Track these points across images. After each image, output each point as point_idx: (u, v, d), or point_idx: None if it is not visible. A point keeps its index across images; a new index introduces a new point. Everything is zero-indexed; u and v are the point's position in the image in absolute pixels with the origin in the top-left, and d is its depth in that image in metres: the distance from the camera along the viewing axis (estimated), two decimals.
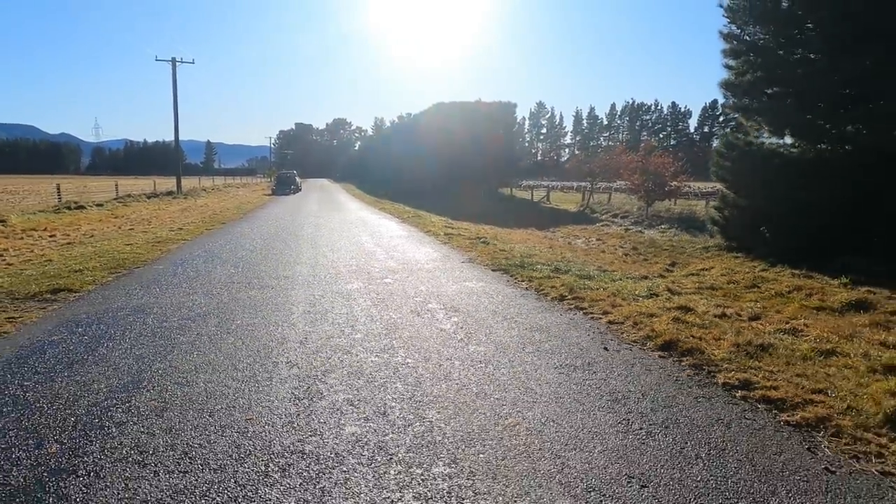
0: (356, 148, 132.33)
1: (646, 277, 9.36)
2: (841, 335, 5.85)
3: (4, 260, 10.27)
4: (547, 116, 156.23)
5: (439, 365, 4.54)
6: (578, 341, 5.25)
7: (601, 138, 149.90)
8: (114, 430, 3.33)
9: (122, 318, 5.91)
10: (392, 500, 2.65)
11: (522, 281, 8.21)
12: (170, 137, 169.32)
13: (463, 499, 2.67)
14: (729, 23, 12.42)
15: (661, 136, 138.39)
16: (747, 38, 12.26)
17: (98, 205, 25.14)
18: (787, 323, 6.36)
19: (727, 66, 12.29)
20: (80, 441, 3.19)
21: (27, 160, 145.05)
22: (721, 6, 12.54)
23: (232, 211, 23.47)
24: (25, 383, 4.07)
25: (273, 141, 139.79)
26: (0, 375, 4.22)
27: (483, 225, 18.46)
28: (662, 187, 20.29)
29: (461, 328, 5.64)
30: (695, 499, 2.69)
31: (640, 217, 20.78)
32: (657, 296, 7.47)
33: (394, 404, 3.75)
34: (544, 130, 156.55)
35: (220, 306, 6.46)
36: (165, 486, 2.74)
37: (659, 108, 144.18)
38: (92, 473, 2.85)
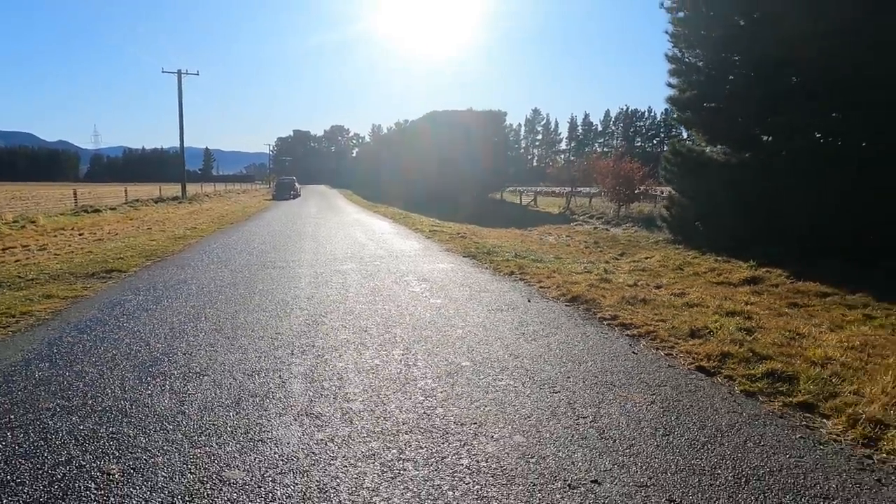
0: (354, 154, 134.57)
1: (591, 262, 11.30)
2: (714, 296, 7.80)
3: (50, 252, 12.14)
4: (542, 123, 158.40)
5: (406, 308, 6.48)
6: (511, 297, 7.19)
7: (596, 144, 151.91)
8: (190, 338, 5.23)
9: (171, 286, 7.82)
10: (367, 363, 4.56)
11: (485, 263, 10.14)
12: (168, 144, 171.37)
13: (410, 365, 4.58)
14: (673, 47, 14.41)
15: (654, 141, 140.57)
16: (688, 59, 14.24)
17: (111, 208, 26.99)
18: (680, 289, 8.32)
19: (670, 85, 14.28)
20: (171, 343, 5.09)
21: (26, 168, 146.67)
22: (667, 32, 14.54)
23: (237, 213, 25.36)
24: (121, 320, 5.97)
25: (272, 147, 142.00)
26: (101, 317, 6.12)
27: (468, 225, 20.36)
28: (632, 190, 22.26)
29: (427, 290, 7.58)
30: (544, 362, 4.61)
31: (612, 218, 22.75)
32: (589, 273, 9.41)
33: (371, 326, 5.68)
34: (540, 137, 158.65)
35: (245, 279, 8.38)
36: (233, 360, 4.65)
37: (652, 114, 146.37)
38: (185, 355, 4.75)
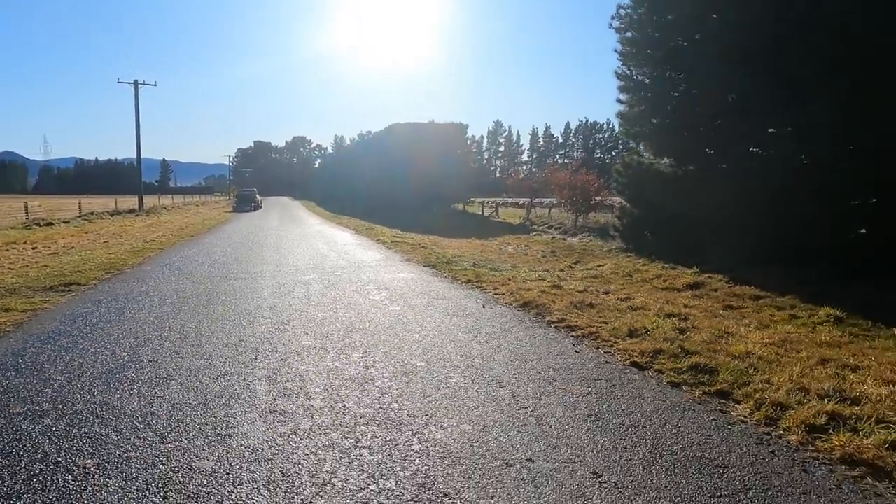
0: (316, 166, 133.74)
1: (546, 270, 11.81)
2: (657, 300, 8.35)
3: (3, 266, 11.95)
4: (504, 135, 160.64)
5: (366, 315, 6.78)
6: (467, 304, 7.57)
7: (557, 156, 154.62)
8: (155, 346, 5.42)
9: (133, 298, 7.92)
10: (328, 365, 4.85)
11: (444, 272, 10.51)
12: (122, 155, 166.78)
13: (368, 366, 4.89)
14: (622, 65, 15.18)
15: (613, 153, 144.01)
16: (635, 77, 15.02)
17: (65, 222, 26.36)
18: (626, 294, 8.86)
19: (619, 101, 15.03)
20: (136, 351, 5.27)
21: None
22: (616, 51, 15.31)
23: (197, 226, 25.13)
24: (84, 330, 6.09)
25: (231, 159, 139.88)
26: (63, 328, 6.22)
27: (430, 235, 20.74)
28: (588, 201, 23.06)
29: (387, 298, 7.90)
30: (493, 361, 4.98)
31: (569, 228, 23.50)
32: (543, 280, 9.89)
33: (332, 332, 5.96)
34: (502, 148, 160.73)
35: (207, 290, 8.53)
36: (198, 365, 4.87)
37: (611, 126, 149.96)
38: (151, 362, 4.95)
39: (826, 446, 3.40)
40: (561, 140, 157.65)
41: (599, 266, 13.10)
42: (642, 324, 6.47)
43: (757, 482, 2.99)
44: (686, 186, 13.42)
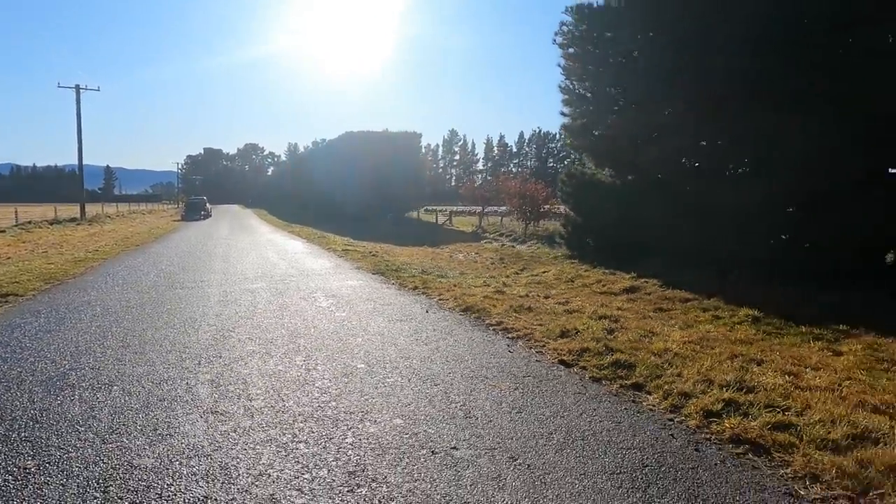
0: (269, 173, 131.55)
1: (493, 277, 12.20)
2: (593, 304, 8.82)
3: None
4: (459, 143, 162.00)
5: (312, 322, 6.96)
6: (412, 309, 7.84)
7: (511, 165, 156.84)
8: (97, 354, 5.46)
9: (74, 309, 7.84)
10: (270, 369, 5.03)
11: (393, 280, 10.75)
12: (63, 162, 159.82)
13: (310, 369, 5.09)
14: (565, 79, 15.83)
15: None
16: (578, 91, 15.70)
17: (0, 231, 25.27)
18: (565, 298, 9.31)
19: (563, 113, 15.67)
20: (77, 359, 5.30)
21: None
22: (559, 65, 15.95)
23: (143, 235, 24.52)
24: (23, 341, 6.05)
25: (180, 166, 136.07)
26: (1, 339, 6.15)
27: (382, 244, 20.90)
28: (537, 209, 23.72)
29: (334, 305, 8.08)
30: (431, 362, 5.27)
31: (519, 235, 24.09)
32: (487, 286, 10.25)
33: (277, 338, 6.13)
34: (457, 157, 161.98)
35: (152, 299, 8.50)
36: (141, 371, 4.96)
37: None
38: (93, 369, 5.01)
39: (718, 428, 3.82)
40: (515, 149, 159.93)
41: (544, 272, 13.59)
42: (574, 325, 6.89)
43: (653, 460, 3.37)
44: (624, 196, 14.11)
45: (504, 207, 34.25)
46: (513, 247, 20.88)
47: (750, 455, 3.47)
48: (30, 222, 30.15)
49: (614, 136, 14.74)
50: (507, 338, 6.32)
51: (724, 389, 4.53)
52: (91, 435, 3.60)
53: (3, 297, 8.92)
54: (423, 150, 77.47)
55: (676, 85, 12.37)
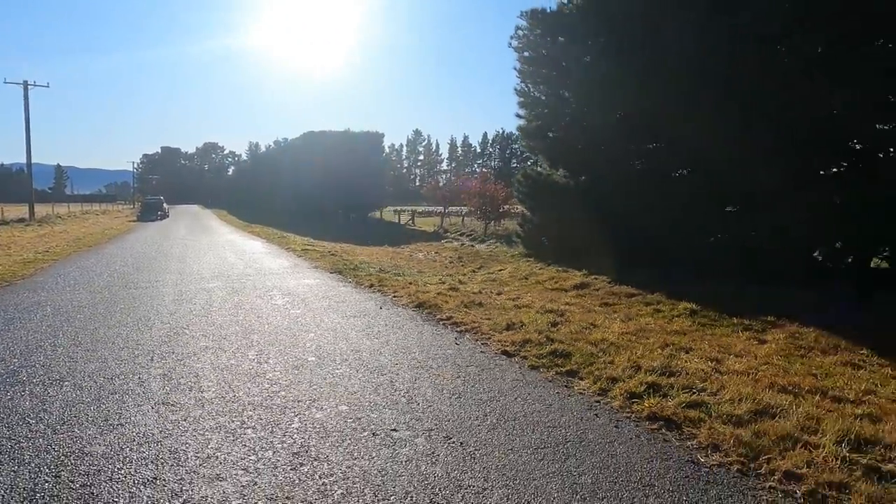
0: (230, 173, 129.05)
1: (450, 275, 12.49)
2: (543, 299, 9.20)
3: None
4: (424, 144, 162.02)
5: (267, 319, 7.11)
6: (366, 306, 8.06)
7: (475, 165, 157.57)
8: (48, 352, 5.51)
9: (24, 308, 7.77)
10: (223, 363, 5.18)
11: (350, 278, 10.93)
12: (9, 160, 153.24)
13: (262, 362, 5.27)
14: (521, 82, 16.26)
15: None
16: (533, 94, 16.14)
17: None
18: (517, 295, 9.67)
19: (519, 115, 16.10)
20: (27, 358, 5.35)
21: None
22: (515, 69, 16.38)
23: (97, 236, 23.94)
24: None
25: (136, 165, 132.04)
26: None
27: (343, 244, 20.97)
28: (497, 209, 24.17)
29: (289, 302, 8.24)
30: (380, 354, 5.51)
31: (479, 235, 24.51)
32: (443, 283, 10.53)
33: (231, 335, 6.27)
34: (421, 157, 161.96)
35: (105, 299, 8.48)
36: (93, 368, 5.05)
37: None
38: (44, 367, 5.07)
39: (639, 408, 4.18)
40: (479, 150, 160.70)
41: (500, 270, 13.97)
42: (521, 319, 7.23)
43: (576, 437, 3.70)
44: (577, 197, 14.60)
45: (466, 208, 34.69)
46: (472, 246, 21.25)
47: (663, 430, 3.84)
48: None
49: (567, 139, 15.24)
50: (456, 331, 6.61)
51: (650, 374, 4.91)
52: (42, 426, 3.72)
53: None
54: (387, 151, 77.44)
55: (621, 91, 12.91)
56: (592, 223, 14.16)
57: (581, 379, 4.92)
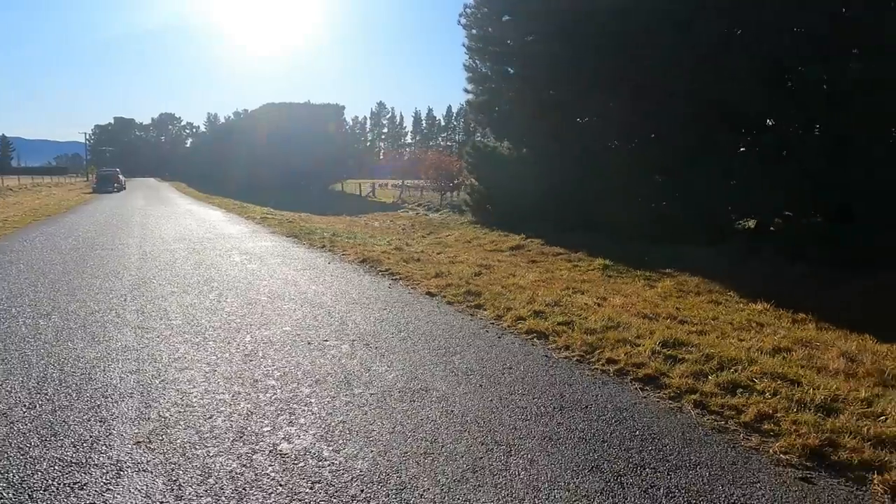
0: (188, 145, 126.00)
1: (399, 239, 13.53)
2: (479, 257, 10.34)
3: None
4: (388, 116, 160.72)
5: (226, 272, 8.06)
6: (316, 262, 9.07)
7: (440, 138, 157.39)
8: (30, 296, 6.35)
9: None
10: (187, 302, 6.14)
11: (304, 241, 11.86)
12: None
13: (221, 301, 6.24)
14: (469, 58, 17.17)
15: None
16: (481, 70, 17.09)
17: None
18: (455, 254, 10.79)
19: (467, 91, 17.07)
20: (13, 300, 6.19)
21: None
22: (464, 45, 17.26)
23: (53, 207, 23.99)
24: None
25: (88, 136, 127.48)
26: None
27: (302, 213, 21.72)
28: (452, 181, 25.21)
29: (246, 260, 9.17)
30: (322, 296, 6.55)
31: (435, 205, 25.55)
32: (390, 245, 11.57)
33: (193, 283, 7.21)
34: (386, 130, 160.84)
35: (74, 259, 9.23)
36: (75, 306, 5.94)
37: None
38: (31, 306, 5.94)
39: (522, 326, 5.36)
40: (443, 123, 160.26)
41: (448, 235, 15.09)
42: (450, 270, 8.36)
43: (465, 343, 4.85)
44: (520, 167, 15.75)
45: (423, 181, 35.59)
46: (426, 215, 22.29)
47: (534, 339, 5.02)
48: None
49: (511, 113, 16.32)
50: (391, 279, 7.70)
51: (541, 306, 6.10)
52: (41, 343, 4.66)
53: None
54: (351, 123, 77.49)
55: (557, 69, 13.99)
56: (533, 192, 15.34)
57: (484, 310, 6.07)
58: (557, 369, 4.27)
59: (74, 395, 3.59)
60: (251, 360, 4.29)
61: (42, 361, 4.22)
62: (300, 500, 2.50)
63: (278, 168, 41.19)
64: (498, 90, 16.61)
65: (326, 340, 4.82)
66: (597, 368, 4.29)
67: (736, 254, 10.39)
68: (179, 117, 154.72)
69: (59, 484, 2.58)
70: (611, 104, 13.21)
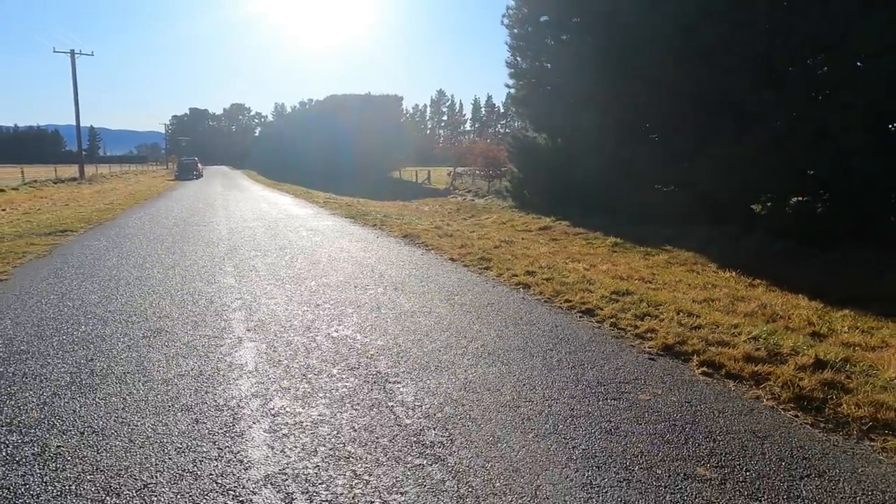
0: (256, 134, 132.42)
1: (442, 220, 15.35)
2: (506, 235, 12.03)
3: None
4: (447, 104, 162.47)
5: (295, 243, 10.14)
6: (367, 235, 11.05)
7: (499, 125, 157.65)
8: (154, 257, 8.58)
9: (123, 236, 10.91)
10: (268, 262, 8.19)
11: (359, 221, 13.89)
12: (44, 122, 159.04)
13: (293, 261, 8.25)
14: (511, 55, 18.67)
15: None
16: (522, 66, 18.56)
17: (13, 188, 27.88)
18: (486, 232, 12.52)
19: (508, 86, 18.60)
20: (145, 257, 8.42)
21: None
22: (506, 43, 18.76)
23: (145, 192, 27.31)
24: (100, 251, 9.15)
25: (167, 126, 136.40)
26: (86, 252, 9.25)
27: (361, 199, 23.93)
28: (498, 169, 26.77)
29: (311, 234, 11.26)
30: (370, 259, 8.45)
31: (483, 192, 27.20)
32: (431, 224, 13.41)
33: (271, 250, 9.30)
34: (445, 118, 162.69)
35: (176, 233, 11.59)
36: (188, 262, 8.10)
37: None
38: (157, 261, 8.14)
39: (514, 281, 7.06)
40: (503, 110, 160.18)
41: (487, 218, 16.79)
42: (474, 244, 10.10)
43: (467, 289, 6.61)
44: (555, 156, 17.20)
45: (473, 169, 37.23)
46: (473, 201, 24.01)
47: (520, 289, 6.72)
48: (35, 181, 32.67)
49: (548, 106, 17.74)
50: (424, 249, 9.54)
51: (536, 269, 7.76)
52: (177, 281, 6.79)
53: (63, 232, 11.93)
54: (410, 112, 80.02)
55: (590, 67, 15.32)
56: (566, 179, 16.79)
57: (490, 271, 7.80)
58: (525, 304, 5.98)
59: (206, 309, 5.63)
60: (315, 294, 6.23)
61: (180, 291, 6.31)
62: (341, 356, 4.36)
63: (340, 157, 43.88)
64: (536, 86, 18.05)
65: (367, 286, 6.71)
66: (555, 305, 5.97)
67: (733, 233, 11.59)
68: (249, 107, 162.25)
69: (208, 346, 4.56)
70: (629, 100, 14.46)
